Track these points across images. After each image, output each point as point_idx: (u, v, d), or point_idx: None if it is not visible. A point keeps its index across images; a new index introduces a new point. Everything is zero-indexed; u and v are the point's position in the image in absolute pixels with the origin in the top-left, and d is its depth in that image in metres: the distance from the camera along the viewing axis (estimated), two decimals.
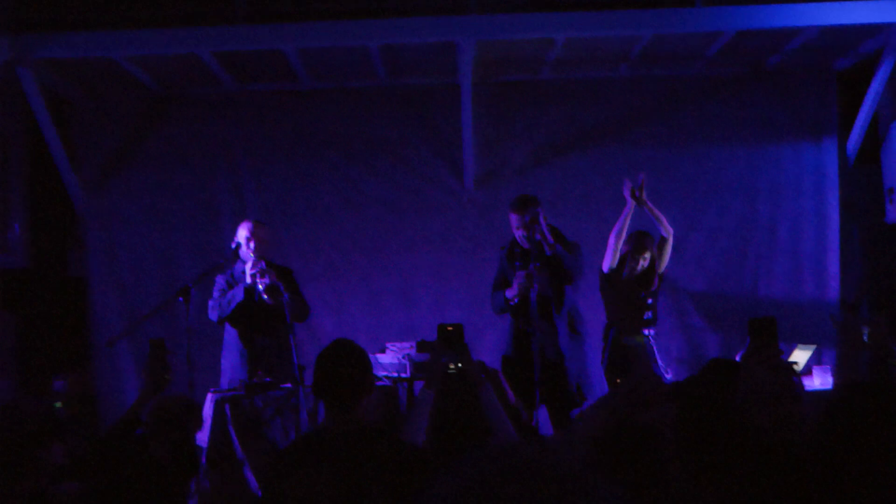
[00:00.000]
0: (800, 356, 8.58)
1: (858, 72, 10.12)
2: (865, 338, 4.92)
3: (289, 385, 7.52)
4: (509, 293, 7.90)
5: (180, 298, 7.38)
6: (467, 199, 10.21)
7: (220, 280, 8.23)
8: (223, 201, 10.18)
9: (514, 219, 7.95)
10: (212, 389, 7.77)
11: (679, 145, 10.35)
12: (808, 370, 8.38)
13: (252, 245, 7.99)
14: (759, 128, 10.35)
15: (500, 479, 1.39)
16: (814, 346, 8.70)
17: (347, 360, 4.21)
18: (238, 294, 7.91)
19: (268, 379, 7.61)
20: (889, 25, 9.01)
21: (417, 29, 8.83)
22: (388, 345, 8.28)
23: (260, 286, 7.71)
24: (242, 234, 8.10)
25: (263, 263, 7.83)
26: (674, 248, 9.28)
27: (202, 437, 7.09)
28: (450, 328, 5.06)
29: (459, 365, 4.90)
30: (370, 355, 8.18)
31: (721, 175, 10.33)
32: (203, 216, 10.16)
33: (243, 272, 7.95)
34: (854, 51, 9.84)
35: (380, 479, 3.89)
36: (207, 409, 7.32)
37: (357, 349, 4.31)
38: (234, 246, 8.06)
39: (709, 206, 10.32)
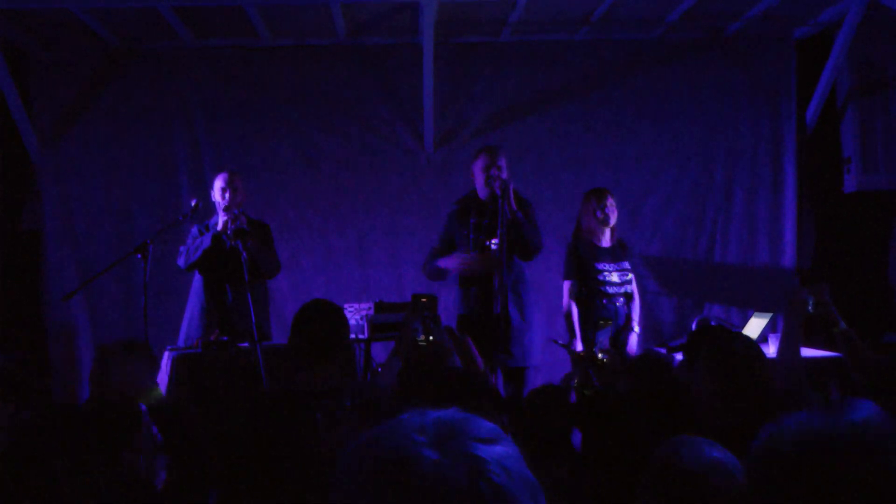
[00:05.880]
0: (755, 324, 8.63)
1: (818, 41, 10.19)
2: (811, 308, 4.98)
3: (246, 344, 7.48)
4: (450, 264, 7.66)
5: (138, 255, 7.32)
6: (425, 159, 10.19)
7: (194, 230, 8.18)
8: (179, 157, 10.09)
9: (482, 160, 7.71)
10: (168, 347, 7.74)
11: (637, 109, 10.39)
12: (763, 338, 8.43)
13: (227, 195, 7.97)
14: (717, 94, 10.42)
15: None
16: (770, 314, 8.74)
17: (324, 319, 4.23)
18: (206, 241, 7.85)
19: (224, 338, 7.58)
20: None
21: None
22: (346, 305, 8.24)
23: (229, 231, 7.65)
24: (218, 184, 8.08)
25: (238, 211, 7.79)
26: (630, 211, 9.30)
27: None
28: (424, 299, 5.02)
29: (431, 338, 4.87)
30: None
31: (678, 140, 10.38)
32: (159, 171, 10.07)
33: (216, 223, 7.93)
34: (814, 20, 9.91)
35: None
36: (164, 367, 7.29)
37: (333, 308, 4.35)
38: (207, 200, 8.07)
39: (665, 170, 10.38)
